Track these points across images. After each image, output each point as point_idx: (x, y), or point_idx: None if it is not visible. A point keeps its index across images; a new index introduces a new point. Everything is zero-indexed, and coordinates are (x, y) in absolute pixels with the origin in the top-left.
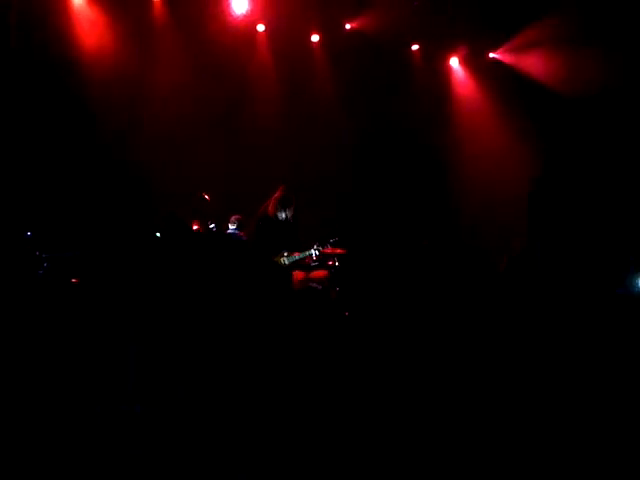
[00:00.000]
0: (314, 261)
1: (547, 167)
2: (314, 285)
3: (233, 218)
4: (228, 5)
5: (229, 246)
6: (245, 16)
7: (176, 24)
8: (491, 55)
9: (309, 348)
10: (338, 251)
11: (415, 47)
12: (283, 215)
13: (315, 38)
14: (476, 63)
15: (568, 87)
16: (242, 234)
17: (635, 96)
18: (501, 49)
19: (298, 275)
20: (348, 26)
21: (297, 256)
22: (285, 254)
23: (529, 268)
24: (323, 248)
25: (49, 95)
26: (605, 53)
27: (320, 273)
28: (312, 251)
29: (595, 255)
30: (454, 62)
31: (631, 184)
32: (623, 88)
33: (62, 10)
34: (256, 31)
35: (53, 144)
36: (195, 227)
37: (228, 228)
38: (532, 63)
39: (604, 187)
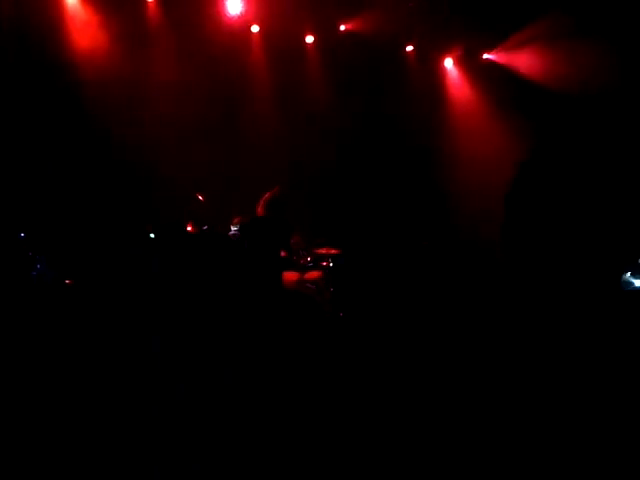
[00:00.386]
0: (308, 262)
1: (529, 166)
2: (309, 286)
3: (236, 220)
4: (222, 6)
5: (221, 247)
6: (239, 17)
7: (170, 25)
8: (485, 56)
9: (300, 349)
10: (333, 251)
11: (409, 48)
12: (272, 216)
13: (310, 39)
14: (471, 64)
15: (564, 85)
16: None
17: (633, 95)
18: (495, 50)
19: (292, 276)
20: (343, 27)
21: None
22: None
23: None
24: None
25: (43, 95)
26: (602, 50)
27: (314, 274)
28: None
29: (582, 263)
30: (448, 63)
31: (626, 186)
32: (622, 87)
33: (56, 11)
34: (250, 32)
35: (48, 144)
36: (189, 228)
37: (230, 230)
38: (526, 61)
39: (596, 189)
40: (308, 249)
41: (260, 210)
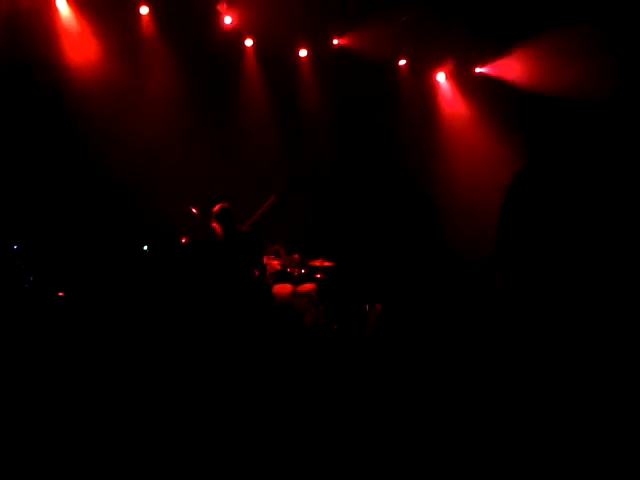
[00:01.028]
0: (302, 273)
1: (529, 172)
2: (298, 305)
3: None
4: (216, 19)
5: (211, 259)
6: (232, 28)
7: (164, 38)
8: (478, 70)
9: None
10: (327, 264)
11: (402, 62)
12: (224, 229)
13: (303, 53)
14: (463, 78)
15: (558, 92)
16: None
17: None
18: (488, 63)
19: (286, 288)
20: (336, 41)
21: None
22: None
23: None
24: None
25: (36, 108)
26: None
27: (308, 286)
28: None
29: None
30: (441, 77)
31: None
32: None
33: (49, 23)
34: (244, 45)
35: (41, 156)
36: (183, 241)
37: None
38: (518, 70)
39: (589, 197)
40: (291, 258)
41: (214, 225)
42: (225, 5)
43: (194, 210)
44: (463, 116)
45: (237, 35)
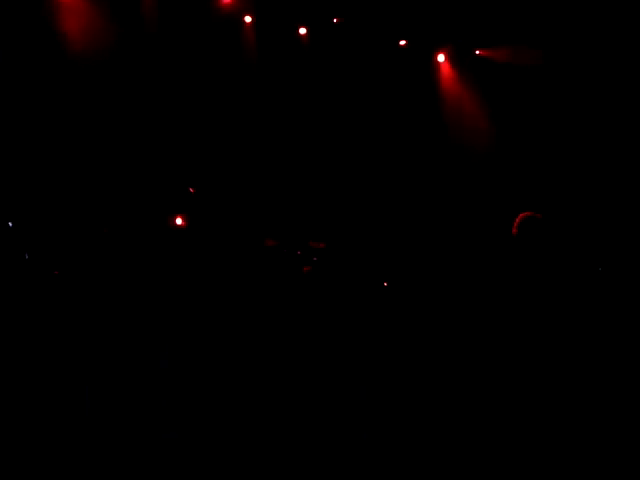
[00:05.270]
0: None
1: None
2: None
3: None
4: None
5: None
6: (231, 3)
7: (164, 13)
8: (478, 52)
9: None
10: (321, 246)
11: (402, 42)
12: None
13: (302, 31)
14: (463, 60)
15: None
16: None
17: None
18: (488, 46)
19: None
20: (335, 20)
21: None
22: None
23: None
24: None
25: (30, 81)
26: None
27: (303, 268)
28: None
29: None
30: (441, 58)
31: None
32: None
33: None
34: (243, 22)
35: (35, 132)
36: (179, 222)
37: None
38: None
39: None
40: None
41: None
42: None
43: (191, 190)
44: (462, 98)
45: (236, 12)
